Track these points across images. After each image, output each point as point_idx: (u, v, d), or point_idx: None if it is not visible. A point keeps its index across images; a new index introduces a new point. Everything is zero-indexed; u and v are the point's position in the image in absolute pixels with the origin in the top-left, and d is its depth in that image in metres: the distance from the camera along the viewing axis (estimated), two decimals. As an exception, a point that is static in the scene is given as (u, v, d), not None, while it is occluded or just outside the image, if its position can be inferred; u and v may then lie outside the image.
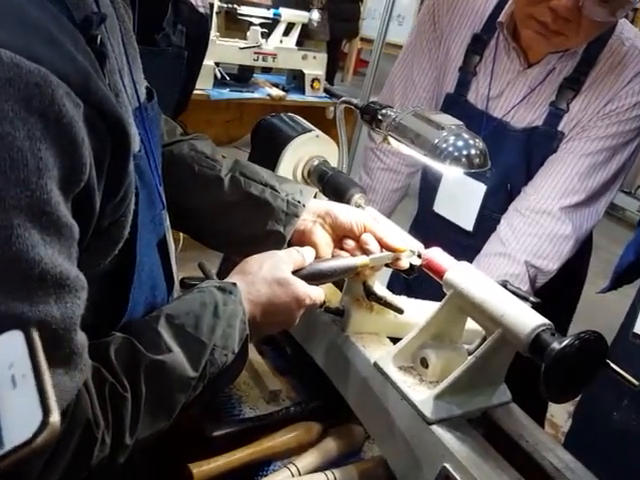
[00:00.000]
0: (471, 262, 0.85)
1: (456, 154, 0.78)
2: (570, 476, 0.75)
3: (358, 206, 0.95)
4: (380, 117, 0.87)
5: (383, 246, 0.83)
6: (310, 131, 1.04)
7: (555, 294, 1.19)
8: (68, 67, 0.46)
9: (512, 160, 1.25)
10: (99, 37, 0.52)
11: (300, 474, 0.84)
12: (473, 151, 0.78)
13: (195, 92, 2.39)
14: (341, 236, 0.84)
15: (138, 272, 0.61)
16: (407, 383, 0.80)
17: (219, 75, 2.67)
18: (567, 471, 0.75)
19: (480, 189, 1.30)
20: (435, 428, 0.75)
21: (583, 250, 1.34)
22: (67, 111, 0.45)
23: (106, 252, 0.57)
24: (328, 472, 0.84)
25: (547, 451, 0.78)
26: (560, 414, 2.48)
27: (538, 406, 1.53)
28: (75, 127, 0.45)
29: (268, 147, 1.08)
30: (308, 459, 0.86)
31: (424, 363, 0.82)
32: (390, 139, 0.85)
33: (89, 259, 0.53)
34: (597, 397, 1.21)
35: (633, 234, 1.27)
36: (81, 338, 0.50)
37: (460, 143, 0.78)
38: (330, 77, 3.81)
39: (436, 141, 0.79)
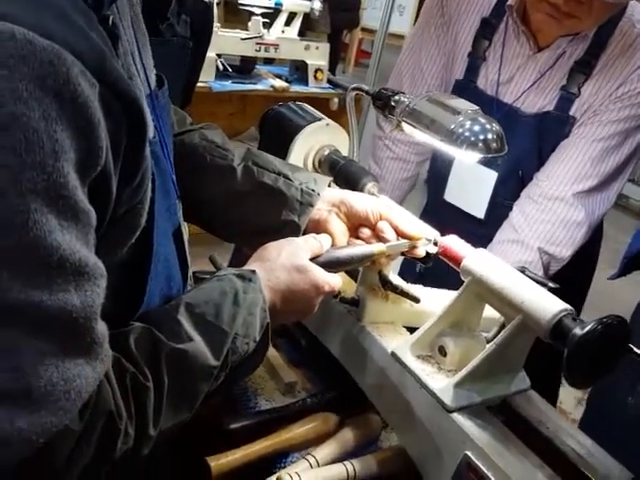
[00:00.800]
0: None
1: (473, 139, 0.77)
2: (592, 461, 0.75)
3: (371, 195, 0.94)
4: (393, 103, 0.86)
5: (399, 234, 0.81)
6: (320, 119, 1.03)
7: (567, 280, 1.18)
8: (82, 45, 0.44)
9: (523, 146, 1.24)
10: (111, 17, 0.50)
11: (319, 465, 0.83)
12: (490, 136, 0.77)
13: (197, 85, 2.38)
14: (357, 225, 0.83)
15: (155, 262, 0.61)
16: (426, 372, 0.79)
17: (221, 67, 2.65)
18: (589, 457, 0.75)
19: (491, 176, 1.29)
20: (455, 416, 0.74)
21: (594, 236, 1.32)
22: (82, 90, 0.43)
23: (123, 240, 0.56)
24: (347, 463, 0.83)
25: (568, 437, 0.78)
26: (568, 400, 2.48)
27: (549, 393, 1.52)
28: (91, 107, 0.44)
29: (277, 137, 1.06)
30: (326, 450, 0.86)
31: (442, 351, 0.81)
32: (404, 125, 0.84)
33: (106, 247, 0.52)
34: (611, 382, 1.20)
35: (639, 222, 1.27)
36: (102, 328, 0.49)
37: (477, 128, 0.77)
38: (332, 68, 3.78)
39: (452, 126, 0.77)
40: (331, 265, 0.75)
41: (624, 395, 1.19)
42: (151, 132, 0.57)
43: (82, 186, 0.45)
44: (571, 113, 1.21)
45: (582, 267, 1.37)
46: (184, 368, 0.58)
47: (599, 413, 1.30)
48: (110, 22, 0.50)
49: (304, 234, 0.81)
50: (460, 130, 0.77)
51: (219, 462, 0.79)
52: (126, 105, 0.48)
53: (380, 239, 0.81)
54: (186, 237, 0.74)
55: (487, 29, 1.27)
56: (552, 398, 1.54)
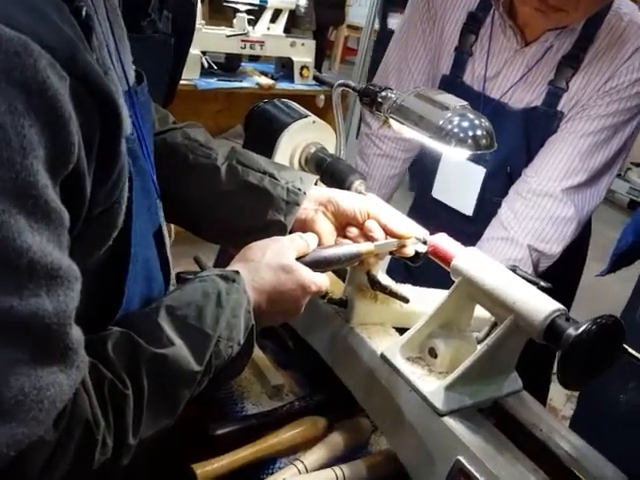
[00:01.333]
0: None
1: (462, 135, 0.75)
2: (586, 464, 0.73)
3: (359, 193, 0.92)
4: (380, 99, 0.84)
5: (388, 233, 0.80)
6: (306, 117, 1.01)
7: (556, 277, 1.17)
8: (51, 36, 0.42)
9: (512, 142, 1.23)
10: (84, 9, 0.48)
11: (307, 471, 0.81)
12: (479, 132, 0.75)
13: (181, 82, 2.34)
14: (344, 224, 0.81)
15: (133, 263, 0.58)
16: (416, 374, 0.78)
17: (206, 64, 2.63)
18: (583, 459, 0.74)
19: (479, 172, 1.27)
20: (447, 419, 0.73)
21: (583, 232, 1.32)
22: (51, 83, 0.41)
23: (99, 242, 0.53)
24: (336, 468, 0.81)
25: (561, 439, 0.77)
26: (558, 397, 2.48)
27: (539, 390, 1.52)
28: (61, 101, 0.41)
29: (263, 135, 1.04)
30: (315, 455, 0.84)
31: (432, 353, 0.79)
32: (392, 122, 0.82)
33: (82, 249, 0.50)
34: (603, 380, 1.19)
35: (625, 216, 1.27)
36: (77, 333, 0.47)
37: (465, 124, 0.75)
38: (317, 65, 3.76)
39: (441, 122, 0.76)
40: (318, 265, 0.73)
41: (616, 393, 1.18)
42: (128, 129, 0.54)
43: (53, 185, 0.43)
44: (559, 108, 1.20)
45: (571, 263, 1.36)
46: (165, 374, 0.56)
47: (591, 411, 1.30)
48: (83, 14, 0.48)
49: (290, 234, 0.79)
50: (449, 126, 0.75)
51: (205, 469, 0.77)
52: (99, 100, 0.45)
53: (368, 238, 0.79)
54: (168, 238, 0.71)
55: (473, 23, 1.25)
56: (542, 396, 1.54)
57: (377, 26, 3.32)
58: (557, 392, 2.38)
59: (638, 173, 4.95)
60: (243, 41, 2.68)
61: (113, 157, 0.49)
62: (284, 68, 2.97)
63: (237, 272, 0.66)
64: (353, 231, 0.80)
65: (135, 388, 0.53)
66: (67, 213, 0.45)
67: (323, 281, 0.72)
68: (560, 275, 1.23)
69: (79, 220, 0.48)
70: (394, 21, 3.86)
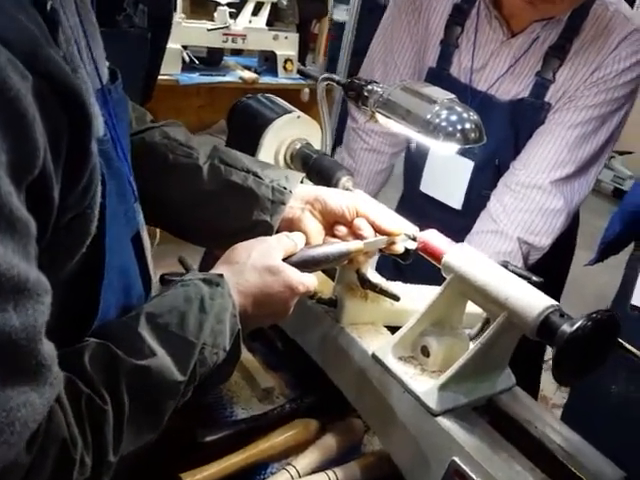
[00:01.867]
0: (462, 242, 0.81)
1: (450, 129, 0.73)
2: (583, 460, 0.72)
3: (346, 189, 0.90)
4: (366, 93, 0.82)
5: (377, 230, 0.78)
6: (291, 112, 0.99)
7: (545, 268, 1.17)
8: (10, 31, 0.39)
9: (499, 134, 1.21)
10: (49, 2, 0.45)
11: (300, 475, 0.80)
12: (468, 125, 0.73)
13: (163, 78, 2.30)
14: (332, 222, 0.79)
15: (108, 272, 0.55)
16: (408, 374, 0.76)
17: (187, 59, 2.58)
18: (580, 456, 0.73)
19: (467, 166, 1.26)
20: (441, 419, 0.72)
21: (571, 224, 1.31)
22: (13, 83, 0.38)
23: (71, 251, 0.50)
24: (329, 472, 0.80)
25: (556, 435, 0.76)
26: (549, 386, 2.49)
27: (531, 381, 1.51)
28: (23, 102, 0.39)
29: (246, 131, 1.02)
30: (307, 459, 0.82)
31: (425, 352, 0.78)
32: (378, 116, 0.80)
33: (52, 259, 0.47)
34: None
35: (609, 204, 1.27)
36: (48, 348, 0.44)
37: (454, 117, 0.74)
38: (301, 59, 3.73)
39: (428, 116, 0.74)
40: (306, 264, 0.71)
41: (607, 384, 1.18)
42: (100, 130, 0.52)
43: (17, 192, 0.40)
44: (546, 99, 1.19)
45: (560, 255, 1.36)
46: (147, 386, 0.54)
47: (582, 401, 1.30)
48: (48, 7, 0.45)
49: (277, 234, 0.76)
50: (437, 120, 0.73)
51: (194, 478, 0.75)
52: (66, 99, 0.43)
53: (357, 236, 0.77)
54: (147, 243, 0.69)
55: (459, 15, 1.23)
56: (534, 386, 1.54)
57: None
58: (547, 381, 2.37)
59: (622, 161, 4.97)
60: (225, 35, 2.64)
61: (83, 160, 0.46)
62: (267, 62, 2.93)
63: (221, 275, 0.64)
64: (341, 229, 0.78)
65: (114, 403, 0.51)
66: (34, 222, 0.42)
67: (311, 281, 0.70)
68: (549, 266, 1.23)
69: (48, 228, 0.45)
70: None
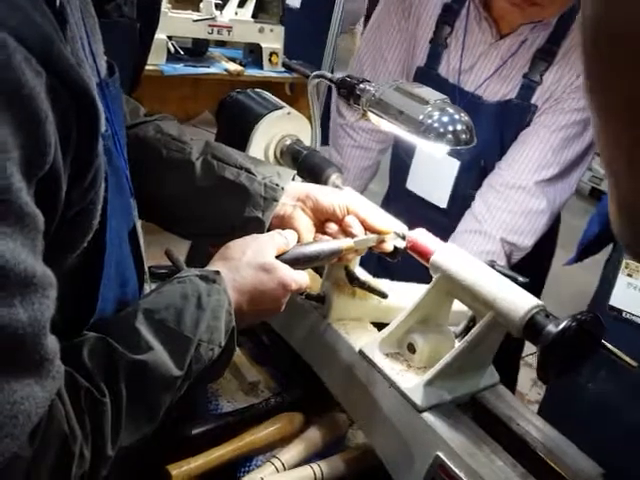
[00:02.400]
0: (446, 241, 0.83)
1: (442, 130, 0.74)
2: (564, 458, 0.74)
3: (336, 187, 0.91)
4: (358, 92, 0.83)
5: (367, 228, 0.79)
6: (281, 108, 0.99)
7: (526, 268, 1.19)
8: (26, 29, 0.39)
9: (486, 135, 1.23)
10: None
11: (285, 468, 0.80)
12: (459, 126, 0.74)
13: (147, 68, 2.27)
14: (323, 220, 0.80)
15: (108, 266, 0.56)
16: (395, 370, 0.77)
17: (172, 49, 2.55)
18: (561, 453, 0.74)
19: (454, 165, 1.27)
20: (426, 415, 0.73)
21: (553, 225, 1.33)
22: (27, 80, 0.38)
23: (74, 245, 0.51)
24: (314, 465, 0.81)
25: (538, 432, 0.77)
26: (524, 382, 2.53)
27: (509, 378, 1.54)
28: (37, 99, 0.39)
29: (236, 127, 1.01)
30: (292, 452, 0.83)
31: (411, 348, 0.79)
32: (370, 115, 0.81)
33: (55, 253, 0.47)
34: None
35: (586, 204, 1.29)
36: (52, 342, 0.45)
37: (445, 118, 0.74)
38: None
39: (420, 117, 0.75)
40: (298, 262, 0.72)
41: (585, 381, 1.20)
42: (103, 125, 0.52)
43: (28, 187, 0.40)
44: (533, 101, 1.20)
45: (541, 254, 1.38)
46: (144, 381, 0.54)
47: (560, 398, 1.32)
48: (58, 3, 0.45)
49: (268, 231, 0.77)
50: (428, 121, 0.74)
51: (181, 470, 0.76)
52: (76, 96, 0.43)
53: (347, 234, 0.78)
54: (142, 238, 0.69)
55: (449, 15, 1.24)
56: (511, 382, 1.56)
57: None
58: (523, 377, 2.43)
59: (600, 161, 5.06)
60: (210, 26, 2.62)
61: (90, 156, 0.47)
62: (252, 54, 2.91)
63: (217, 272, 0.64)
64: (332, 227, 0.79)
65: (113, 397, 0.51)
66: (42, 217, 0.42)
67: (303, 279, 0.71)
68: (530, 266, 1.25)
69: (54, 222, 0.46)
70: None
